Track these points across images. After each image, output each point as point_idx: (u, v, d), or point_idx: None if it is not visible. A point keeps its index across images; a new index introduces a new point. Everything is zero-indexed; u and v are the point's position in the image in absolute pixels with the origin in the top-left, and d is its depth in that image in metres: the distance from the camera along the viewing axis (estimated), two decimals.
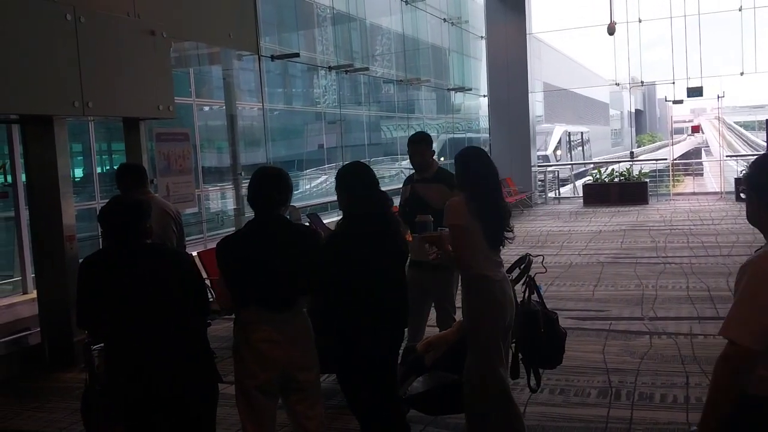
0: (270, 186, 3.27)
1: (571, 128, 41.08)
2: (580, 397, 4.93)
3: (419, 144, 5.20)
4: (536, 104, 22.19)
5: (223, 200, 13.87)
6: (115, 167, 12.27)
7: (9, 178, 8.05)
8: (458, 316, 5.17)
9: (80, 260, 6.49)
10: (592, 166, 25.43)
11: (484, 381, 3.80)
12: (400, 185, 5.52)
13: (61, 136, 6.33)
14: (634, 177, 18.66)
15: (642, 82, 23.22)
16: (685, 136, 57.01)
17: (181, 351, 3.07)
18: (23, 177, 7.86)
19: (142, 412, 3.08)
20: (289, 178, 3.37)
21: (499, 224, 3.83)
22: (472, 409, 3.92)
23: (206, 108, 13.70)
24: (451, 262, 3.96)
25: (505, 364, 3.89)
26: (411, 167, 5.40)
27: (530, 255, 4.37)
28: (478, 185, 3.79)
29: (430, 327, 5.25)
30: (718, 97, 25.43)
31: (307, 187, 17.11)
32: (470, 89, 21.16)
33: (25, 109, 5.90)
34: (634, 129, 56.53)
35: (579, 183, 22.26)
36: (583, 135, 44.24)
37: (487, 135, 20.60)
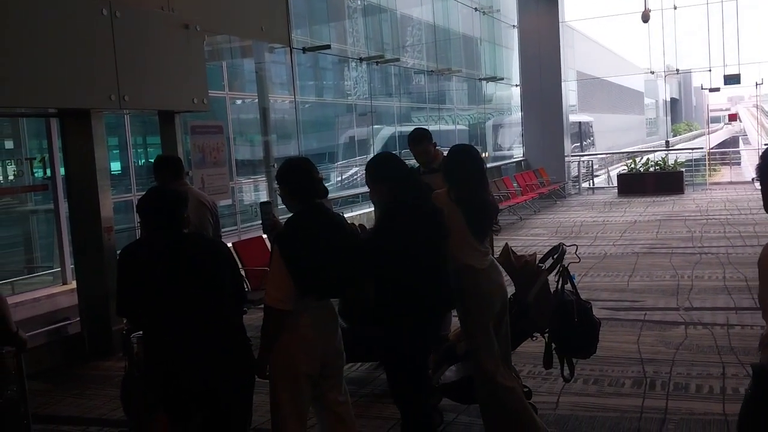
0: (315, 174, 3.32)
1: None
2: (615, 387, 4.90)
3: (421, 143, 5.34)
4: (570, 93, 21.92)
5: (256, 192, 13.99)
6: (151, 160, 12.46)
7: (48, 171, 8.22)
8: None
9: (118, 252, 6.64)
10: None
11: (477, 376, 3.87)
12: None
13: (98, 129, 6.45)
14: (669, 166, 18.38)
15: (677, 70, 22.85)
16: (721, 124, 55.91)
17: (218, 338, 3.11)
18: (62, 170, 8.02)
19: (180, 398, 3.14)
20: None
21: (483, 215, 3.89)
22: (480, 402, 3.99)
23: (238, 101, 13.81)
24: None
25: (497, 355, 3.88)
26: None
27: (564, 245, 4.35)
28: (463, 179, 3.86)
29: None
30: (757, 84, 24.88)
31: (338, 179, 17.16)
32: (502, 79, 20.99)
33: (63, 103, 6.01)
34: (669, 118, 55.50)
35: (613, 173, 21.97)
36: (583, 126, 35.72)
37: (520, 125, 20.46)
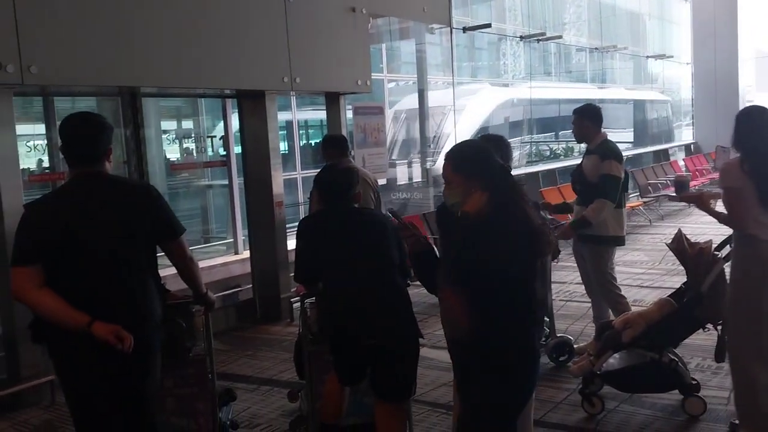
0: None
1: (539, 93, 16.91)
2: None
3: (573, 115, 5.22)
4: (746, 72, 20.26)
5: (410, 171, 14.22)
6: (311, 141, 12.97)
7: (223, 149, 8.84)
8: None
9: (287, 225, 7.04)
10: None
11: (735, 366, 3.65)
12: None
13: (271, 110, 6.81)
14: None
15: None
16: None
17: (387, 306, 3.29)
18: (236, 148, 8.57)
19: (350, 359, 3.34)
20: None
21: None
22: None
23: (392, 83, 14.03)
24: (722, 222, 3.71)
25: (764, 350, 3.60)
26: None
27: None
28: (750, 145, 3.56)
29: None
30: None
31: None
32: (671, 57, 19.79)
33: (241, 85, 6.40)
34: None
35: None
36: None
37: (690, 105, 19.26)
